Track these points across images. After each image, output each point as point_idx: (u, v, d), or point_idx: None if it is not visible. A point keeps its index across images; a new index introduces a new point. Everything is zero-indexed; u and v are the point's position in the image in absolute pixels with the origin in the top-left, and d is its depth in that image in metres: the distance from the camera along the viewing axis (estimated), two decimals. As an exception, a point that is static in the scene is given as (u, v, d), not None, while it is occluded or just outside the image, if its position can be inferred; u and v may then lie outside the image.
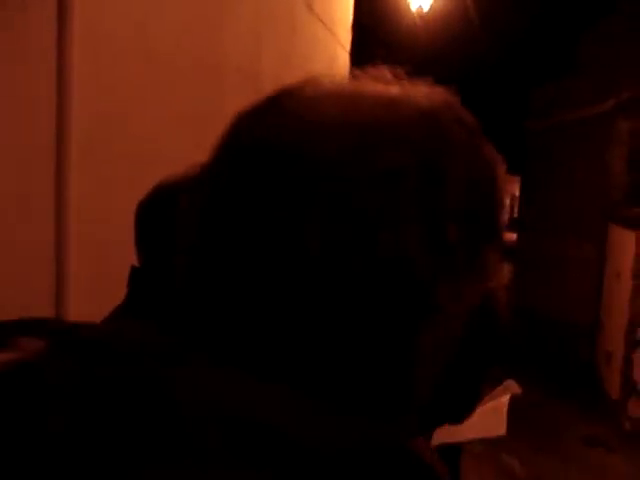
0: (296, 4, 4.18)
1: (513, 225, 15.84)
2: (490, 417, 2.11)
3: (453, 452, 2.45)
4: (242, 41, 3.29)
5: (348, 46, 5.85)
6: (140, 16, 2.31)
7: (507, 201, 18.68)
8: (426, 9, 8.35)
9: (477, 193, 0.39)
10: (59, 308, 1.90)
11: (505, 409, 2.12)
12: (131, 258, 1.08)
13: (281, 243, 0.36)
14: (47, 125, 1.88)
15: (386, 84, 0.42)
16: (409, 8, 8.47)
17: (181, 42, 2.63)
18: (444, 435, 2.19)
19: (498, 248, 0.40)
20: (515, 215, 16.66)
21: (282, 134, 0.39)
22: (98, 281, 1.98)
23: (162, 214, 1.03)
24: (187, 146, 2.38)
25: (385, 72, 0.43)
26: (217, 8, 2.96)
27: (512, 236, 14.68)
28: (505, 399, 2.14)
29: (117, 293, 1.05)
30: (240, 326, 0.37)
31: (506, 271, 16.89)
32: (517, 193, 15.47)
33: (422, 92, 0.42)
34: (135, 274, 1.05)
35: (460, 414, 0.49)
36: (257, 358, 0.36)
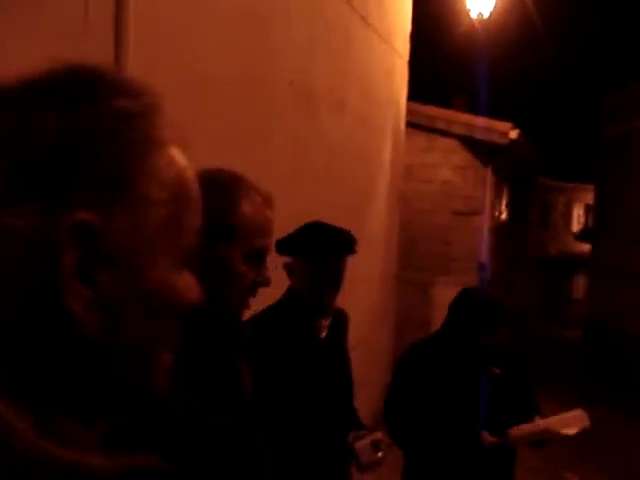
0: (351, 17, 4.16)
1: (586, 235, 15.14)
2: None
3: (507, 462, 2.36)
4: (294, 55, 3.29)
5: (407, 56, 5.78)
6: (192, 34, 2.36)
7: (580, 211, 17.90)
8: (486, 15, 8.17)
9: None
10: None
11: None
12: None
13: None
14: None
15: None
16: (469, 15, 8.32)
17: (231, 58, 2.65)
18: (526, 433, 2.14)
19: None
20: (589, 225, 15.93)
21: None
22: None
23: None
24: (233, 159, 2.39)
25: None
26: (268, 22, 2.96)
27: (586, 247, 14.03)
28: (572, 432, 2.09)
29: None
30: None
31: (580, 283, 16.18)
32: (591, 202, 14.80)
33: None
34: None
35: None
36: None
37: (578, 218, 17.94)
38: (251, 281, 1.08)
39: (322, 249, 1.79)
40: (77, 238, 0.40)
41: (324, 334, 1.93)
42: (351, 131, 4.25)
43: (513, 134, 7.80)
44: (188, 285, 0.53)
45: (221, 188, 1.07)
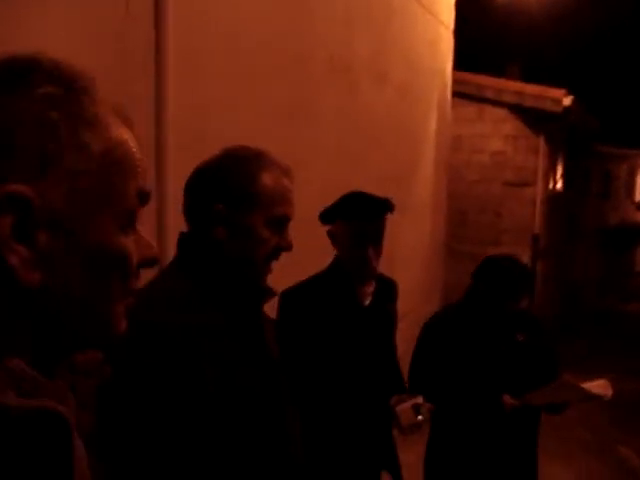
0: (393, -12, 4.14)
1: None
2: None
3: (530, 426, 2.40)
4: (333, 29, 3.32)
5: (452, 26, 5.68)
6: (230, 11, 2.43)
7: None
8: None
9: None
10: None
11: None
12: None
13: None
14: (146, 128, 2.06)
15: None
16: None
17: (271, 34, 2.72)
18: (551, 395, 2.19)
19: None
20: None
21: None
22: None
23: (205, 192, 1.19)
24: (280, 139, 2.48)
25: None
26: (307, -3, 3.01)
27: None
28: (594, 394, 2.12)
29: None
30: None
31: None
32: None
33: None
34: (182, 239, 1.22)
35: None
36: None
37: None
38: (273, 246, 1.19)
39: (360, 207, 1.88)
40: (11, 206, 0.48)
41: (368, 301, 2.01)
42: (394, 102, 4.26)
43: (567, 101, 7.55)
44: (140, 244, 0.60)
45: (244, 162, 1.19)
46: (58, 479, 0.50)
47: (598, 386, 2.17)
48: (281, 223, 1.20)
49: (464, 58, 6.47)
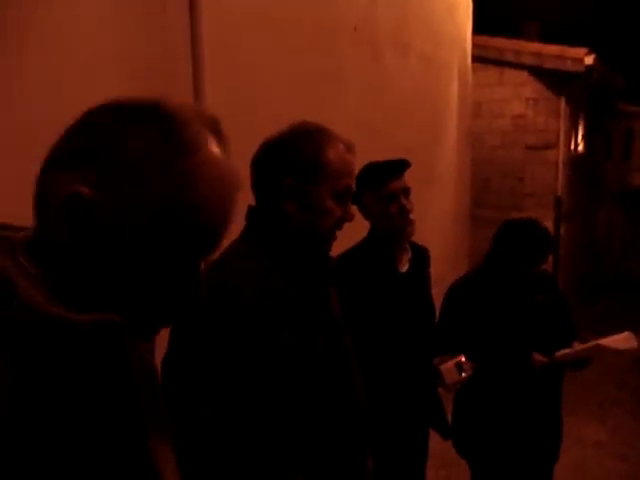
0: (412, -46, 4.10)
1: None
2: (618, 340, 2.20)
3: (555, 383, 2.47)
4: (357, 1, 3.33)
5: (470, -12, 5.60)
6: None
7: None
8: None
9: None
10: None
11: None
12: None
13: None
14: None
15: None
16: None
17: (298, 7, 2.75)
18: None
19: None
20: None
21: None
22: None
23: (273, 167, 1.25)
24: (307, 107, 2.52)
25: None
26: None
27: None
28: (621, 348, 2.18)
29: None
30: None
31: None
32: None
33: None
34: (251, 212, 1.29)
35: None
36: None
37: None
38: (338, 216, 1.26)
39: (383, 169, 1.98)
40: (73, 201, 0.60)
41: (405, 268, 2.09)
42: (417, 72, 4.25)
43: (589, 60, 7.41)
44: None
45: (310, 137, 1.25)
46: (119, 385, 0.59)
47: (622, 339, 2.24)
48: (345, 195, 1.27)
49: (481, 20, 6.36)
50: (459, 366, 2.05)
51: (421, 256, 2.19)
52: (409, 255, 2.11)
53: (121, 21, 1.89)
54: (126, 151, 0.61)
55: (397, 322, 2.00)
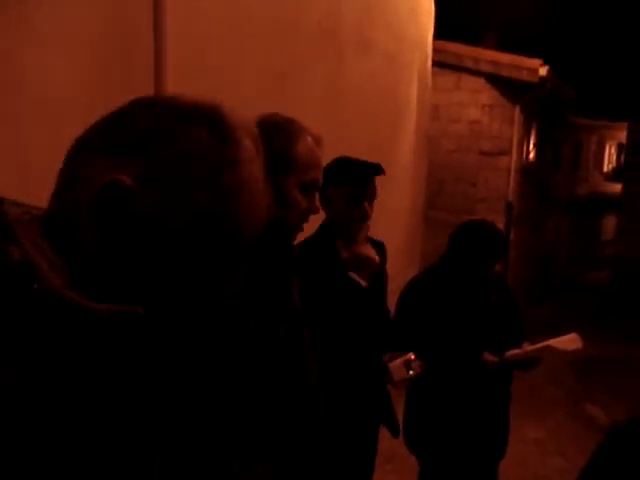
0: (377, -47, 4.12)
1: (618, 175, 14.87)
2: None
3: (504, 383, 2.52)
4: (322, -5, 3.32)
5: (433, -9, 5.68)
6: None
7: (611, 150, 17.48)
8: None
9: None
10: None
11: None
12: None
13: None
14: (147, 86, 2.07)
15: None
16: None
17: (263, 1, 2.72)
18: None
19: None
20: (621, 164, 15.60)
21: None
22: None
23: None
24: (270, 101, 2.50)
25: None
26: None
27: (617, 187, 13.81)
28: (568, 349, 2.26)
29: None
30: None
31: (610, 225, 16.00)
32: (624, 140, 14.45)
33: None
34: None
35: None
36: None
37: (609, 157, 17.53)
38: (305, 208, 1.26)
39: (356, 170, 1.97)
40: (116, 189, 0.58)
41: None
42: (379, 70, 4.28)
43: (543, 71, 7.65)
44: None
45: (278, 129, 1.25)
46: (134, 377, 0.59)
47: (569, 340, 2.31)
48: (312, 187, 1.27)
49: (441, 25, 6.46)
50: (408, 364, 2.07)
51: (378, 250, 2.20)
52: (371, 250, 2.12)
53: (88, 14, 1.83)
54: (180, 150, 0.59)
55: (350, 317, 2.00)
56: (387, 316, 2.27)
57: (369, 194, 1.99)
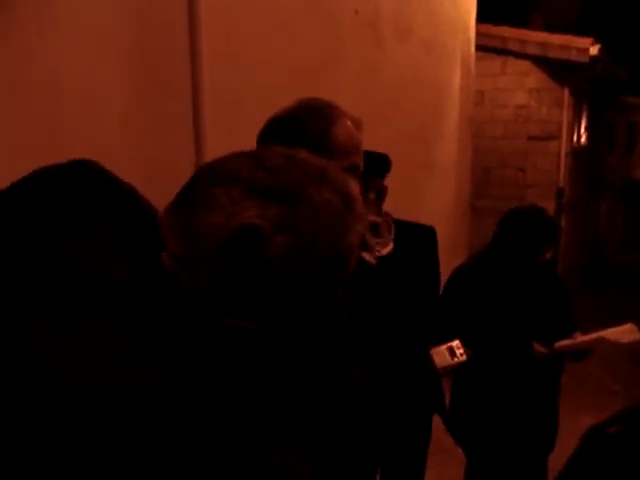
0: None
1: None
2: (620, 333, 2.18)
3: (554, 374, 2.44)
4: (358, -16, 3.28)
5: (474, -25, 5.53)
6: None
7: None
8: None
9: None
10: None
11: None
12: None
13: None
14: (184, 83, 2.10)
15: None
16: None
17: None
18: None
19: None
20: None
21: None
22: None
23: (280, 142, 1.22)
24: (307, 90, 2.50)
25: None
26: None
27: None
28: (624, 341, 2.16)
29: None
30: None
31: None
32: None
33: None
34: None
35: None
36: None
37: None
38: None
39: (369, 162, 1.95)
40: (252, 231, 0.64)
41: (386, 250, 2.04)
42: (418, 57, 4.21)
43: (594, 50, 7.34)
44: None
45: (318, 113, 1.23)
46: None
47: (625, 331, 2.21)
48: (352, 172, 1.24)
49: (486, 9, 6.30)
50: (452, 350, 2.02)
51: (418, 237, 2.15)
52: (391, 236, 2.08)
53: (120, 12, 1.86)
54: (317, 209, 0.66)
55: (378, 307, 1.96)
56: (431, 300, 2.22)
57: (373, 188, 1.98)
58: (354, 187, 0.72)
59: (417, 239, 2.14)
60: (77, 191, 0.63)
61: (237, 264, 0.63)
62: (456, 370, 2.08)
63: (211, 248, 0.63)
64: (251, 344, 0.66)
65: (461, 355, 2.03)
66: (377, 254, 2.04)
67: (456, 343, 2.03)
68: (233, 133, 2.31)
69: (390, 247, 2.05)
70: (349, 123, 1.24)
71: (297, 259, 0.65)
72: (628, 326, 2.21)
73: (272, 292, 0.66)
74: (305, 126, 1.21)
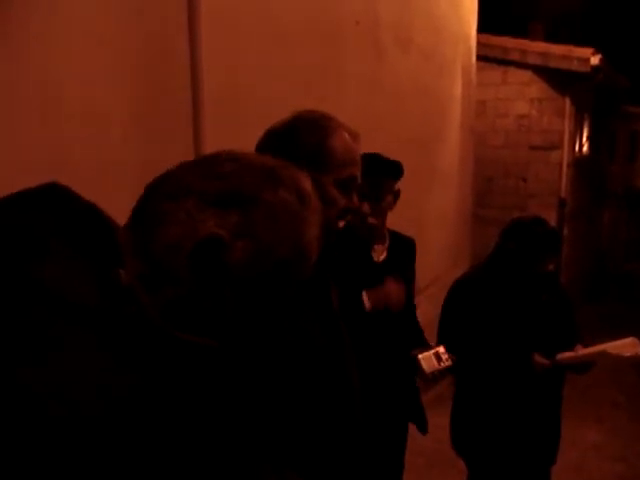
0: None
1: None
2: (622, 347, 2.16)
3: (556, 386, 2.41)
4: (359, -5, 3.30)
5: (475, -14, 5.56)
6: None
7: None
8: None
9: None
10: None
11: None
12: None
13: None
14: (183, 90, 2.10)
15: None
16: None
17: (300, 2, 2.72)
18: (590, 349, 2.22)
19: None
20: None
21: None
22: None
23: (276, 155, 1.22)
24: (307, 100, 2.50)
25: None
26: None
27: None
28: (626, 355, 2.14)
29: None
30: None
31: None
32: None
33: None
34: None
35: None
36: None
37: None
38: (342, 206, 1.23)
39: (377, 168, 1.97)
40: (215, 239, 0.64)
41: (382, 257, 2.11)
42: (419, 67, 4.22)
43: (595, 60, 7.35)
44: None
45: (314, 125, 1.22)
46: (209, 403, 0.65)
47: (626, 345, 2.19)
48: (349, 184, 1.24)
49: (486, 19, 6.32)
50: (438, 356, 2.05)
51: (404, 246, 2.20)
52: (386, 244, 2.12)
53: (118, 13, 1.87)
54: (273, 210, 0.67)
55: (369, 312, 1.98)
56: (413, 312, 2.25)
57: (371, 190, 1.98)
58: (306, 181, 0.73)
59: (404, 248, 2.19)
60: (41, 213, 0.62)
61: (202, 276, 0.64)
62: (443, 374, 2.09)
63: (174, 263, 0.63)
64: (212, 361, 0.65)
65: (446, 360, 2.06)
66: (375, 259, 2.09)
67: (441, 349, 2.07)
68: (233, 145, 2.32)
69: (385, 254, 2.11)
70: (346, 135, 1.24)
71: (259, 262, 0.66)
72: (630, 340, 2.19)
73: (238, 298, 0.67)
74: (302, 138, 1.21)
